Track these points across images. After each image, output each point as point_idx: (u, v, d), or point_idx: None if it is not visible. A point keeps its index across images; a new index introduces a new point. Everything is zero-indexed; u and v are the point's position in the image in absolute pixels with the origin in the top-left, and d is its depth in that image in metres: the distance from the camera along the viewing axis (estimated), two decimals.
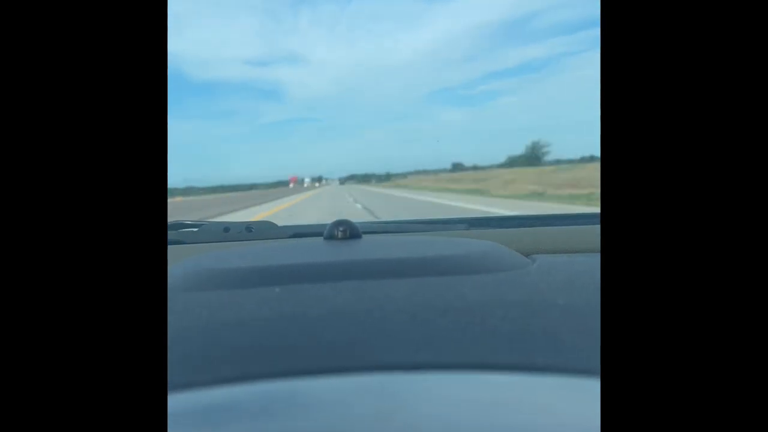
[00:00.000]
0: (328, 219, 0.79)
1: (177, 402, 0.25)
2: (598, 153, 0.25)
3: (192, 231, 0.88)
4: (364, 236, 0.73)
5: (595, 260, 0.60)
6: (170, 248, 0.77)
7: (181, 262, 0.57)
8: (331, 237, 0.72)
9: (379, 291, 0.43)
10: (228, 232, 0.87)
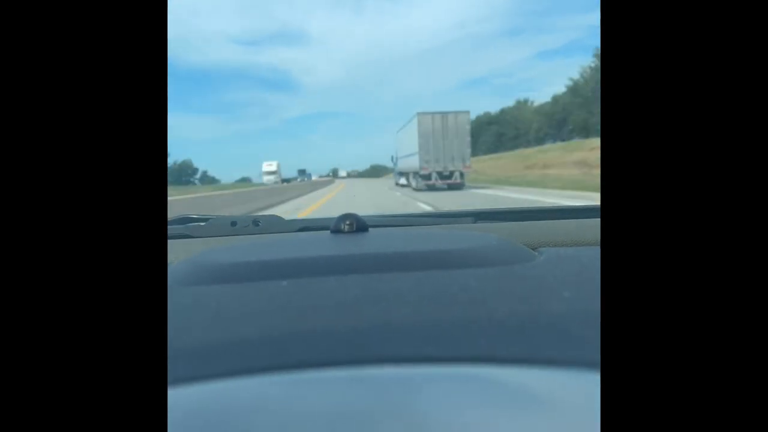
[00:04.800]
0: None
1: (187, 394, 0.25)
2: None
3: (199, 225, 0.89)
4: (370, 229, 0.73)
5: None
6: (178, 242, 0.77)
7: (189, 257, 0.57)
8: (337, 230, 0.72)
9: (386, 284, 0.43)
10: (235, 226, 0.88)
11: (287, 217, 0.91)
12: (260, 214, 0.91)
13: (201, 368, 0.28)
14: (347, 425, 0.22)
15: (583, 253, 0.60)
